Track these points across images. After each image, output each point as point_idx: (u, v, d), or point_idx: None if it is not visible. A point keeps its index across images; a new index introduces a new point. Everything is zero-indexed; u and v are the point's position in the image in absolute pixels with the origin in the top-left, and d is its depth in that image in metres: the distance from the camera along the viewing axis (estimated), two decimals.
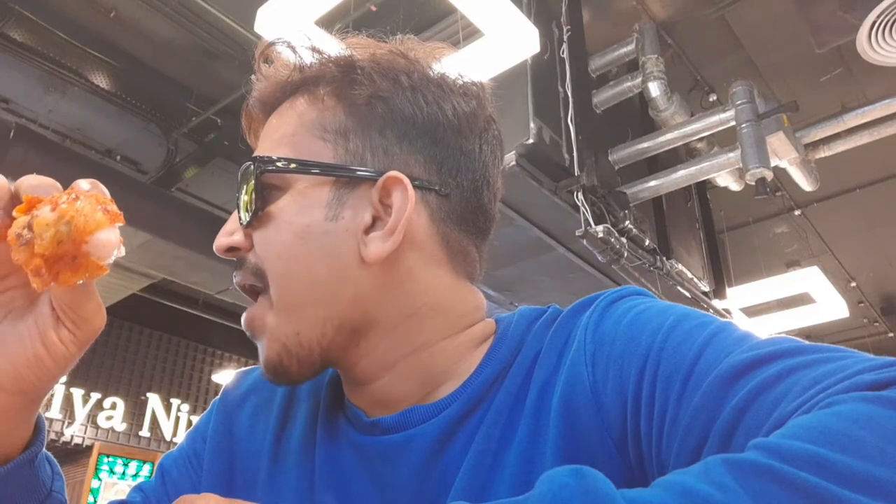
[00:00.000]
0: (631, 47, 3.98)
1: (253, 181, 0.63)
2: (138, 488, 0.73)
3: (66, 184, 0.48)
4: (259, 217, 0.63)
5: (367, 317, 0.63)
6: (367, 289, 0.62)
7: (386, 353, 0.64)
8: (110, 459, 7.05)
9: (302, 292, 0.61)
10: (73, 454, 6.97)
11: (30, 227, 0.44)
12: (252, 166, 0.64)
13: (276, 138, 0.67)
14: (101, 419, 7.11)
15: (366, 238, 0.63)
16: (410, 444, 0.62)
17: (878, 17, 3.14)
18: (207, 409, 0.80)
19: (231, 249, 0.65)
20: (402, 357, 0.64)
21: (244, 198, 0.64)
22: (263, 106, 0.72)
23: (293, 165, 0.64)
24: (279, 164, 0.64)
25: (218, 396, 0.80)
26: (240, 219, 0.64)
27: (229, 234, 0.65)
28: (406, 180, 0.63)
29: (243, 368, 0.83)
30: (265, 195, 0.63)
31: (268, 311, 0.62)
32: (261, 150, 0.67)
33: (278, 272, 0.62)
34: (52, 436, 6.66)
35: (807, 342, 0.50)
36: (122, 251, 0.47)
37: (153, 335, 7.65)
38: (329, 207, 0.62)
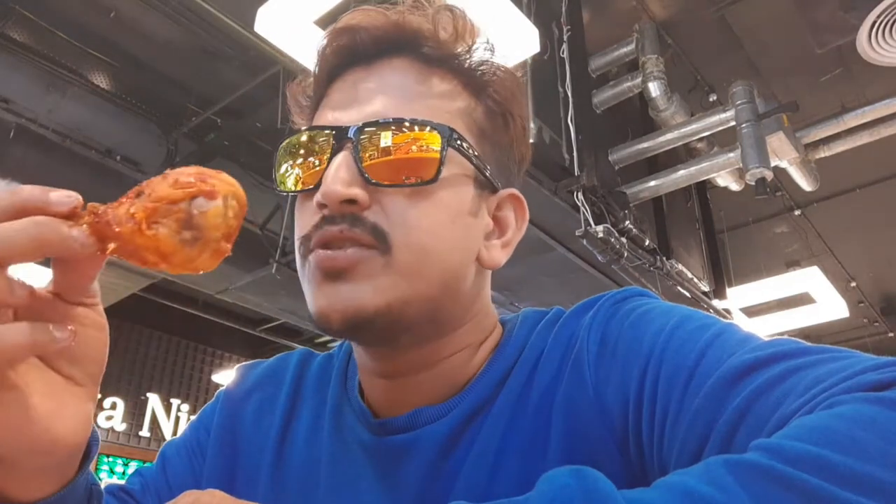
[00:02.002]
0: (631, 47, 3.99)
1: (435, 148, 0.59)
2: (138, 473, 0.74)
3: (66, 184, 0.48)
4: (411, 185, 0.59)
5: (453, 313, 0.64)
6: (468, 288, 0.64)
7: (437, 350, 0.64)
8: (110, 459, 7.05)
9: (432, 271, 0.60)
10: None
11: (189, 225, 0.43)
12: (441, 132, 0.60)
13: (432, 106, 0.63)
14: (100, 419, 7.10)
15: (486, 243, 0.65)
16: (418, 445, 0.62)
17: (878, 17, 3.14)
18: (213, 400, 0.80)
19: (347, 202, 0.58)
20: (444, 358, 0.65)
21: (390, 153, 0.59)
22: (378, 40, 0.65)
23: (472, 152, 0.63)
24: (464, 144, 0.62)
25: (223, 388, 0.80)
26: (372, 177, 0.58)
27: (348, 184, 0.58)
28: (524, 202, 0.68)
29: (246, 363, 0.83)
30: (427, 165, 0.59)
31: (381, 270, 0.58)
32: (410, 109, 0.62)
33: (419, 245, 0.59)
34: None
35: (809, 343, 0.50)
36: None
37: (153, 335, 7.64)
38: (472, 201, 0.63)
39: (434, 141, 0.59)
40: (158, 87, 4.77)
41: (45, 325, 0.43)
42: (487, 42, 0.67)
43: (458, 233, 0.61)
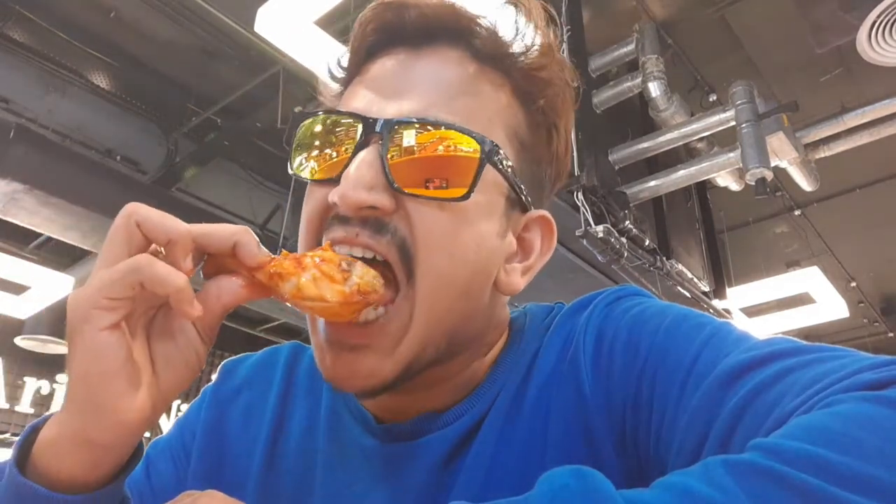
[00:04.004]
0: (631, 47, 3.98)
1: (473, 162, 0.54)
2: None
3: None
4: (440, 199, 0.54)
5: (466, 336, 0.60)
6: (482, 310, 0.60)
7: (444, 370, 0.61)
8: None
9: (451, 299, 0.56)
10: None
11: (348, 265, 0.52)
12: (482, 145, 0.54)
13: (474, 111, 0.57)
14: None
15: (508, 267, 0.60)
16: (424, 451, 0.61)
17: (878, 17, 3.14)
18: (198, 398, 0.78)
19: (370, 208, 0.54)
20: (452, 376, 0.63)
21: (422, 159, 0.54)
22: (429, 22, 0.58)
23: (509, 170, 0.57)
24: (503, 161, 0.56)
25: (208, 386, 0.78)
26: (399, 183, 0.53)
27: (369, 187, 0.53)
28: (553, 227, 0.62)
29: (231, 358, 0.79)
30: (461, 179, 0.54)
31: (409, 320, 0.55)
32: (449, 108, 0.56)
33: (439, 271, 0.54)
34: None
35: (805, 342, 0.50)
36: None
37: None
38: (500, 222, 0.58)
39: (473, 154, 0.54)
40: (158, 87, 4.77)
41: (190, 291, 0.48)
42: (550, 45, 0.61)
43: (481, 256, 0.57)
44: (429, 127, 0.54)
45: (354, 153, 0.55)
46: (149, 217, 0.49)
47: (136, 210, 0.49)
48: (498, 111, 0.59)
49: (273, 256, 0.52)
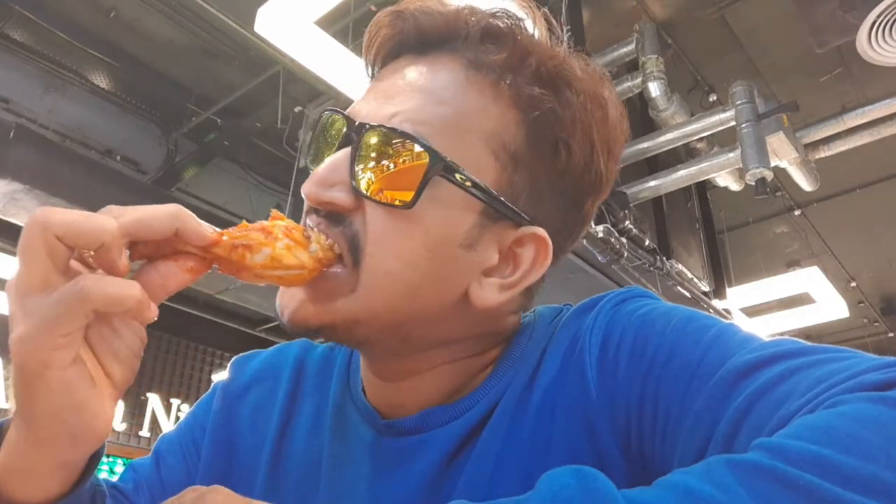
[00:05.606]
0: (631, 47, 3.99)
1: (418, 173, 0.54)
2: (131, 468, 0.73)
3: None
4: (387, 204, 0.55)
5: (433, 337, 0.61)
6: (452, 319, 0.60)
7: (433, 357, 0.63)
8: (110, 459, 7.04)
9: (396, 298, 0.56)
10: None
11: (308, 231, 0.56)
12: (432, 158, 0.54)
13: (452, 120, 0.57)
14: None
15: (484, 280, 0.59)
16: (428, 446, 0.61)
17: (878, 17, 3.13)
18: (209, 392, 0.78)
19: (328, 204, 0.57)
20: (447, 363, 0.63)
21: (382, 164, 0.55)
22: (425, 35, 0.60)
23: (469, 184, 0.56)
24: (457, 176, 0.55)
25: (219, 381, 0.79)
26: (358, 184, 0.56)
27: (329, 185, 0.56)
28: (548, 246, 0.59)
29: (242, 354, 0.80)
30: (407, 187, 0.55)
31: (347, 294, 0.56)
32: (427, 115, 0.56)
33: (385, 270, 0.55)
34: None
35: (809, 343, 0.50)
36: None
37: (153, 335, 7.62)
38: (468, 233, 0.57)
39: (419, 165, 0.54)
40: (158, 87, 4.77)
41: (146, 296, 0.47)
42: (545, 58, 0.59)
43: (437, 264, 0.56)
44: (389, 134, 0.56)
45: (337, 150, 0.59)
46: (69, 225, 0.43)
47: (49, 220, 0.43)
48: (482, 122, 0.57)
49: (218, 230, 0.50)
